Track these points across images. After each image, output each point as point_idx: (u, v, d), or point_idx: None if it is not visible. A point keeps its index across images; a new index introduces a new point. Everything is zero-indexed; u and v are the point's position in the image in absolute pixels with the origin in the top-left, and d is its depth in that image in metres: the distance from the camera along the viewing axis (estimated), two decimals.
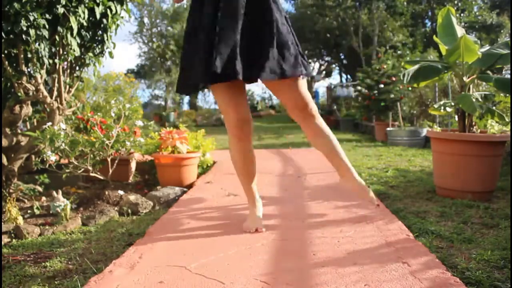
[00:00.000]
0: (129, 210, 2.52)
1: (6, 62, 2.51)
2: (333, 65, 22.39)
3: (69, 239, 2.05)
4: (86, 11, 2.65)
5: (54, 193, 2.53)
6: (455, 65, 2.81)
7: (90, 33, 2.88)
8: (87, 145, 2.72)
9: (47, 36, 2.47)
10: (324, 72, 22.96)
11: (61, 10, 2.49)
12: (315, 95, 18.62)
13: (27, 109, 2.81)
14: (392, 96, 7.40)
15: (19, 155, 2.76)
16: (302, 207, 2.45)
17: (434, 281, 1.36)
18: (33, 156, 2.91)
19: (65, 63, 2.91)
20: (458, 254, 1.67)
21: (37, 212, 2.49)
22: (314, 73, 23.15)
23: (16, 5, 2.24)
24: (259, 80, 1.73)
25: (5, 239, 2.02)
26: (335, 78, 27.35)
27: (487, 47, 2.82)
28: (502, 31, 15.98)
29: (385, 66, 7.84)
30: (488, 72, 2.81)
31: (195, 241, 1.84)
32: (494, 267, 1.54)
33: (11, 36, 2.35)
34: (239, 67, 1.60)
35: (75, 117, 3.46)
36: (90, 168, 2.82)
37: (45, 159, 2.62)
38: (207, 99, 22.41)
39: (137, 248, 1.76)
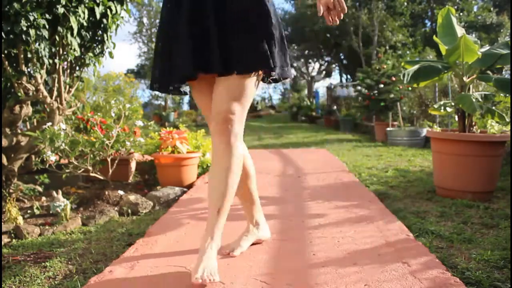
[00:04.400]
0: (129, 210, 2.52)
1: (6, 62, 2.51)
2: (333, 65, 22.40)
3: (69, 239, 2.05)
4: (86, 11, 2.65)
5: (54, 193, 2.53)
6: (455, 65, 2.81)
7: (90, 33, 2.88)
8: (87, 145, 2.72)
9: (47, 36, 2.47)
10: (324, 72, 22.97)
11: (61, 10, 2.49)
12: (315, 95, 18.62)
13: (27, 109, 2.81)
14: (392, 96, 7.40)
15: (19, 155, 2.76)
16: (302, 207, 2.46)
17: (434, 281, 1.36)
18: (33, 156, 2.91)
19: (65, 63, 2.91)
20: (458, 254, 1.67)
21: (37, 212, 2.49)
22: (314, 73, 23.21)
23: (16, 5, 2.24)
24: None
25: (5, 239, 2.02)
26: (335, 78, 27.40)
27: (487, 47, 2.82)
28: (501, 30, 15.99)
29: (385, 66, 7.83)
30: (488, 72, 2.81)
31: (195, 241, 1.84)
32: (494, 267, 1.54)
33: (11, 36, 2.35)
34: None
35: (75, 117, 3.46)
36: (90, 168, 2.82)
37: (45, 159, 2.62)
38: None
39: (137, 248, 1.76)
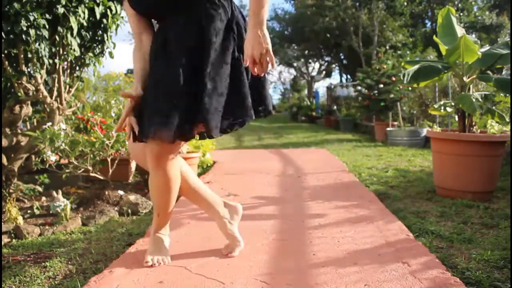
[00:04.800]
0: (129, 210, 2.52)
1: (6, 62, 2.51)
2: (333, 65, 22.40)
3: (69, 239, 2.04)
4: (86, 11, 2.65)
5: (54, 193, 2.53)
6: (455, 65, 2.81)
7: (90, 33, 2.87)
8: (87, 145, 2.72)
9: (47, 36, 2.47)
10: (324, 72, 22.97)
11: (61, 10, 2.48)
12: (315, 95, 18.62)
13: (27, 109, 2.81)
14: (392, 96, 7.39)
15: (19, 155, 2.76)
16: (302, 207, 2.46)
17: (434, 281, 1.36)
18: (33, 156, 2.91)
19: (65, 63, 2.90)
20: (458, 254, 1.67)
21: (37, 212, 2.49)
22: (314, 73, 23.19)
23: (16, 5, 2.24)
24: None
25: (5, 239, 2.02)
26: (335, 78, 27.40)
27: (487, 47, 2.82)
28: (501, 31, 15.98)
29: (385, 66, 7.83)
30: (488, 72, 2.81)
31: (195, 241, 1.84)
32: (494, 267, 1.54)
33: (11, 36, 2.35)
34: None
35: (75, 117, 3.46)
36: (90, 168, 2.82)
37: (45, 159, 2.62)
38: None
39: (137, 248, 1.76)
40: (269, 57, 1.35)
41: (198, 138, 1.58)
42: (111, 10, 2.84)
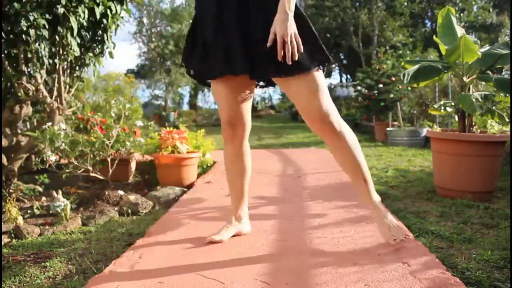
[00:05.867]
0: (129, 210, 2.52)
1: (6, 62, 2.51)
2: (333, 65, 22.37)
3: (69, 239, 2.05)
4: (86, 11, 2.65)
5: (54, 193, 2.53)
6: (455, 65, 2.81)
7: (90, 33, 2.87)
8: (87, 145, 2.72)
9: (47, 36, 2.47)
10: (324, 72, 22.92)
11: (61, 10, 2.49)
12: None
13: (27, 109, 2.81)
14: (392, 96, 7.39)
15: (19, 155, 2.76)
16: (302, 207, 2.45)
17: (434, 281, 1.36)
18: (33, 156, 2.91)
19: (65, 63, 2.91)
20: (458, 254, 1.67)
21: (37, 212, 2.49)
22: None
23: (16, 5, 2.24)
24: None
25: (5, 239, 2.02)
26: (335, 78, 27.29)
27: (487, 47, 2.82)
28: (502, 30, 15.98)
29: (384, 66, 7.82)
30: (488, 72, 2.81)
31: (195, 241, 1.84)
32: (494, 267, 1.54)
33: (11, 36, 2.35)
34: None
35: (75, 117, 3.46)
36: (90, 168, 2.82)
37: (45, 159, 2.62)
38: (207, 99, 22.38)
39: (137, 248, 1.76)
40: (292, 41, 1.36)
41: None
42: (111, 10, 2.84)
